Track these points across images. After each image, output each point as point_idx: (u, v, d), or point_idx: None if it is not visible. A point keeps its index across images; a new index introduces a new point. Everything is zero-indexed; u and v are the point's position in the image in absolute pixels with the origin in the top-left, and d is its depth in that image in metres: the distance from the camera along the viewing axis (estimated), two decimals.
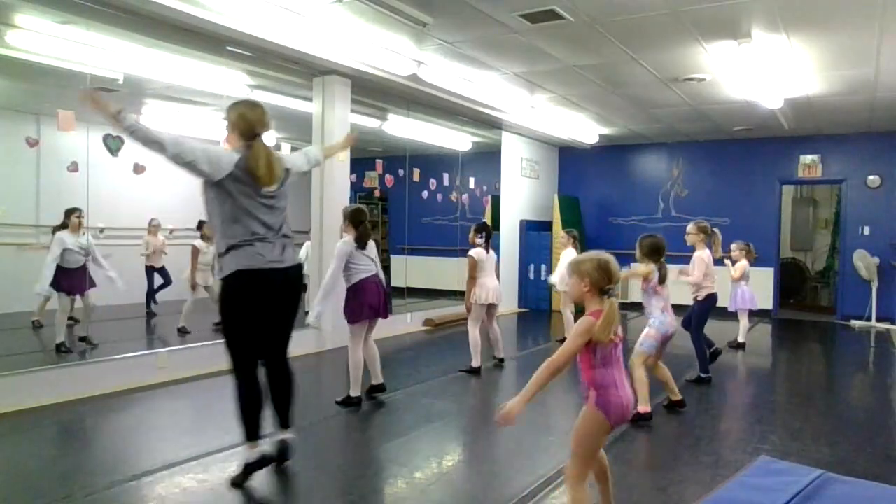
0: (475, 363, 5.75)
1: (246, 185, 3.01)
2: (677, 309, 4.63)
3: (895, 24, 5.08)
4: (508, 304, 10.30)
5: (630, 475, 3.37)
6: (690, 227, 5.44)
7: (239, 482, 3.14)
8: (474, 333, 5.77)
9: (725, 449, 3.89)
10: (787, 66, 6.08)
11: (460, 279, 5.82)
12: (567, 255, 7.07)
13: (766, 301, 9.96)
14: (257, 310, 3.08)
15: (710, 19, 5.03)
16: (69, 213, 5.85)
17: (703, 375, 5.44)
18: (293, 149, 7.20)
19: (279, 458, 3.29)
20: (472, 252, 5.77)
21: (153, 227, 8.06)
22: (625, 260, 11.68)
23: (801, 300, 11.39)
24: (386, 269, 13.07)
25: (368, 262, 4.56)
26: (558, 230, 10.53)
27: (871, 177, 9.64)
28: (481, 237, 5.82)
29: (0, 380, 4.38)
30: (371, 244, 4.62)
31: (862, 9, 4.78)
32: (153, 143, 2.82)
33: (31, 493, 3.07)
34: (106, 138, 5.15)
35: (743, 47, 5.48)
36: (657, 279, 4.42)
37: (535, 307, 10.57)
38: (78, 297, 6.06)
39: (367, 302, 4.49)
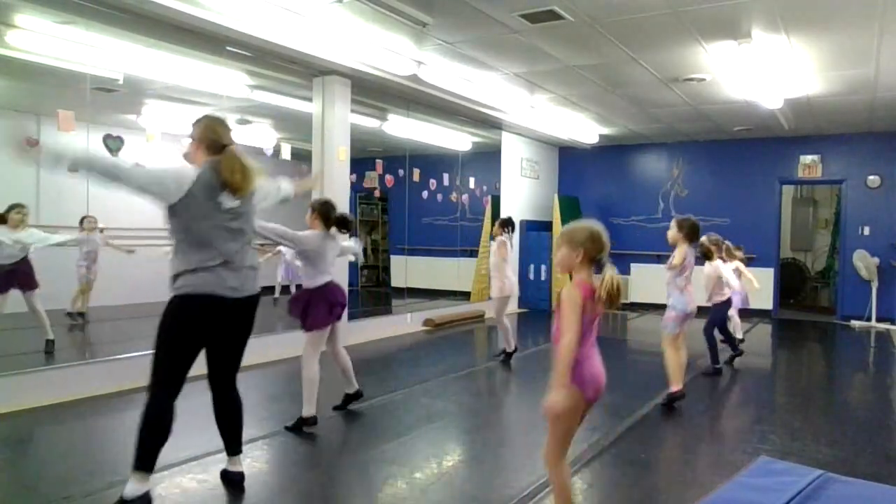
0: (510, 348, 6.29)
1: (208, 204, 2.82)
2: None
3: (895, 24, 5.08)
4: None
5: (630, 475, 3.37)
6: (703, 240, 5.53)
7: None
8: (504, 322, 6.28)
9: (725, 449, 3.89)
10: (787, 66, 6.08)
11: (460, 279, 5.84)
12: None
13: (766, 301, 9.96)
14: (199, 335, 2.94)
15: (710, 19, 5.03)
16: (8, 208, 5.78)
17: (715, 367, 5.81)
18: (293, 149, 7.21)
19: (234, 485, 3.17)
20: (503, 237, 6.20)
21: None
22: (627, 260, 11.61)
23: (801, 300, 11.39)
24: (386, 269, 13.15)
25: (330, 266, 4.19)
26: (558, 230, 10.53)
27: (871, 177, 9.64)
28: (507, 231, 6.29)
29: (1, 379, 4.38)
30: (339, 242, 4.30)
31: (862, 9, 4.78)
32: (97, 167, 2.75)
33: (30, 493, 3.07)
34: (106, 138, 5.15)
35: (743, 47, 5.48)
36: (690, 263, 4.61)
37: (535, 307, 10.58)
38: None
39: (331, 304, 4.10)
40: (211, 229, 2.83)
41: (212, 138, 2.95)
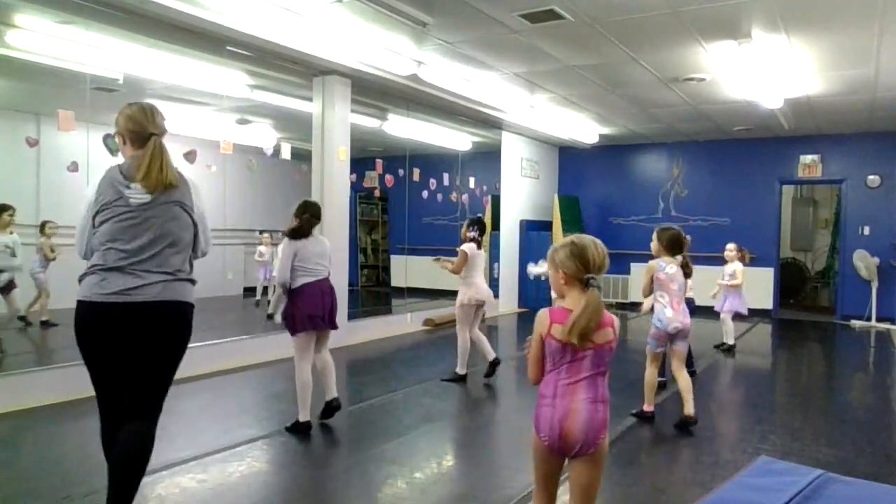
0: (462, 370, 5.43)
1: (114, 202, 2.48)
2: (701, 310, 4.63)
3: (895, 24, 5.08)
4: (508, 304, 10.30)
5: (630, 475, 3.37)
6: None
7: None
8: (465, 337, 5.41)
9: (725, 449, 3.89)
10: (787, 66, 6.08)
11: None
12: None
13: (766, 301, 9.97)
14: (99, 351, 2.48)
15: (710, 19, 5.03)
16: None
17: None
18: (293, 149, 7.20)
19: None
20: (464, 246, 5.44)
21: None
22: (627, 260, 11.59)
23: (801, 300, 11.39)
24: (386, 269, 13.15)
25: (315, 265, 4.01)
26: (558, 230, 10.55)
27: (871, 177, 9.64)
28: (474, 231, 5.49)
29: (0, 380, 4.38)
30: (324, 243, 4.14)
31: (862, 9, 4.78)
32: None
33: (30, 493, 3.07)
34: (106, 138, 5.14)
35: (743, 47, 5.48)
36: (664, 275, 4.27)
37: (536, 307, 10.57)
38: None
39: (305, 311, 3.94)
40: (113, 228, 2.47)
41: (132, 129, 2.59)
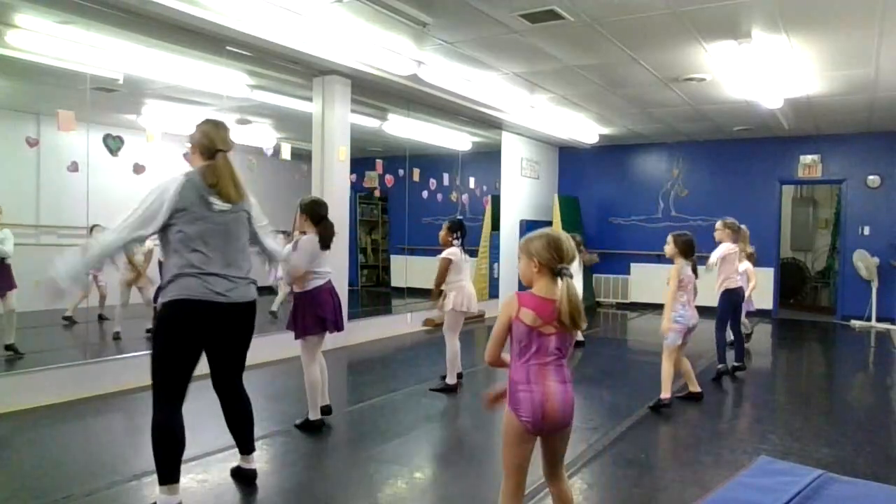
0: (452, 380, 5.14)
1: (198, 208, 2.81)
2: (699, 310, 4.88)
3: (895, 25, 5.08)
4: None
5: (630, 475, 3.37)
6: (718, 224, 5.95)
7: None
8: (454, 344, 5.10)
9: (725, 449, 3.89)
10: (787, 66, 6.08)
11: None
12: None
13: (766, 301, 9.96)
14: (190, 341, 2.85)
15: (710, 19, 5.03)
16: None
17: (719, 367, 5.73)
18: (293, 149, 7.21)
19: (246, 483, 3.21)
20: (447, 252, 5.08)
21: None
22: (627, 260, 11.56)
23: (801, 300, 11.39)
24: (386, 269, 13.14)
25: (327, 267, 4.07)
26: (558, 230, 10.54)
27: (871, 177, 9.64)
28: (457, 237, 5.18)
29: (1, 379, 4.38)
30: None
31: (862, 9, 4.78)
32: (104, 259, 2.74)
33: (31, 493, 3.07)
34: (106, 138, 5.15)
35: (743, 47, 5.48)
36: (688, 276, 4.65)
37: None
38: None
39: (321, 314, 3.97)
40: (203, 231, 2.82)
41: (205, 144, 2.97)
